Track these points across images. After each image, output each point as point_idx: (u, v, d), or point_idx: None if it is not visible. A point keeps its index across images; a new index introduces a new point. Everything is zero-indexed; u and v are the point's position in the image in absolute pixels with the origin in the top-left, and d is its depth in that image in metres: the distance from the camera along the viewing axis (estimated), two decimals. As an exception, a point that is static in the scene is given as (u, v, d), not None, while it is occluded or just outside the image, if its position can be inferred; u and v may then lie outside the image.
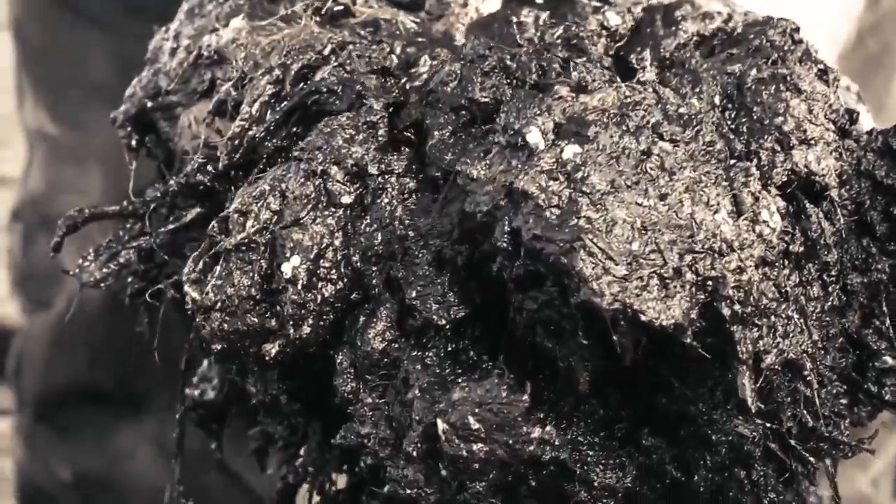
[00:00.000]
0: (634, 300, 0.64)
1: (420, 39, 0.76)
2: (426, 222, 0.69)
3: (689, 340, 0.65)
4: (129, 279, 0.81)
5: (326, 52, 0.73)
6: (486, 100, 0.71)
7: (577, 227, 0.64)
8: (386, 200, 0.71)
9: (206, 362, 0.88)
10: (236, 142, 0.73)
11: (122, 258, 0.81)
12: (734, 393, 0.67)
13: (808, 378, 0.69)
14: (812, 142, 0.73)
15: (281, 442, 0.84)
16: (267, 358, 0.72)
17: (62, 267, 1.45)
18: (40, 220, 1.64)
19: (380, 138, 0.72)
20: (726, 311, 0.66)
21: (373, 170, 0.72)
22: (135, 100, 0.82)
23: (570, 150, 0.66)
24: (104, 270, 0.80)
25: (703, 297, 0.65)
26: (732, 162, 0.68)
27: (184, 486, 0.87)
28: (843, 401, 0.74)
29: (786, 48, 0.75)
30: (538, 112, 0.66)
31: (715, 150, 0.68)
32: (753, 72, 0.74)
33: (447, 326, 0.69)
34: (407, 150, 0.73)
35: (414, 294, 0.70)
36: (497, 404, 0.69)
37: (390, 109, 0.73)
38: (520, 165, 0.66)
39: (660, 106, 0.68)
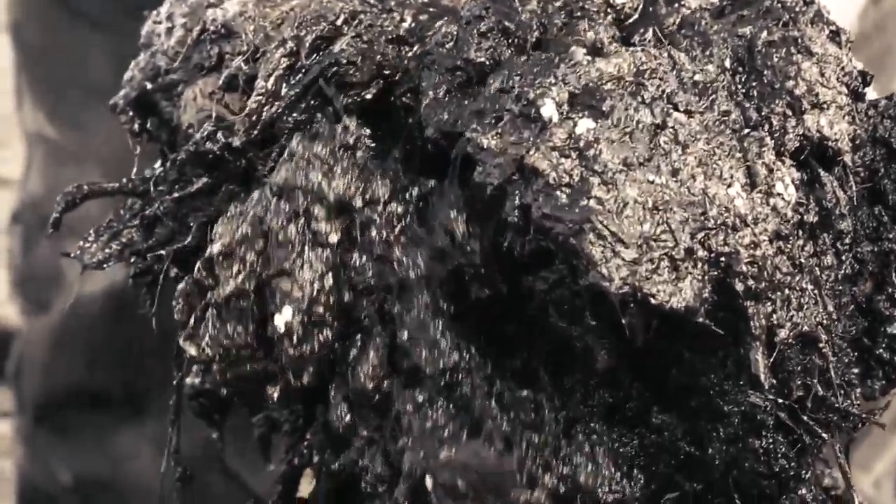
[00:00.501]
0: (644, 283, 0.63)
1: (431, 10, 0.74)
2: (416, 257, 0.68)
3: (701, 320, 0.64)
4: (132, 259, 0.79)
5: (339, 22, 0.72)
6: (482, 59, 0.69)
7: (588, 208, 0.63)
8: (374, 232, 0.70)
9: None
10: (254, 118, 0.73)
11: (123, 237, 0.79)
12: (746, 367, 0.67)
13: (824, 350, 0.68)
14: (824, 105, 0.71)
15: (287, 425, 0.82)
16: (271, 401, 0.72)
17: (62, 267, 1.44)
18: (40, 222, 1.64)
19: (359, 161, 0.70)
20: (740, 287, 0.65)
21: (357, 202, 0.71)
22: (134, 83, 0.82)
23: (584, 125, 0.65)
24: (106, 251, 0.79)
25: (715, 273, 0.65)
26: (746, 131, 0.67)
27: (183, 487, 0.85)
28: (855, 370, 0.74)
29: (797, 9, 0.73)
30: (553, 81, 0.65)
31: (730, 119, 0.67)
32: (764, 34, 0.72)
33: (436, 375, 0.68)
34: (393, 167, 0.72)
35: (406, 336, 0.69)
36: (485, 468, 0.68)
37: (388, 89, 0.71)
38: (532, 138, 0.65)
39: (675, 72, 0.66)
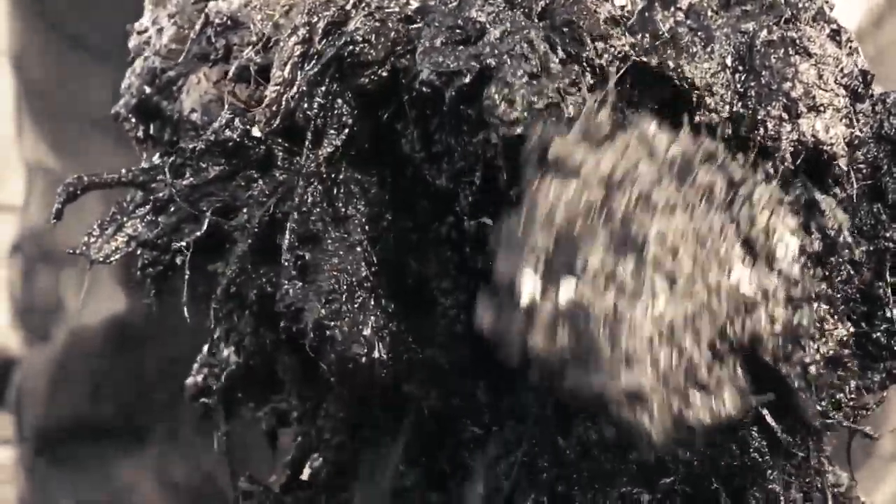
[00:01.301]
0: (683, 413, 0.65)
1: None
2: None
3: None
4: (139, 251, 0.81)
5: (349, 6, 0.74)
6: (483, 20, 0.71)
7: (602, 384, 0.64)
8: None
9: (205, 348, 0.88)
10: (274, 107, 0.75)
11: (128, 228, 0.80)
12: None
13: (849, 365, 0.73)
14: (821, 108, 0.72)
15: (295, 413, 0.83)
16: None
17: (62, 298, 1.46)
18: (40, 253, 1.69)
19: None
20: (769, 359, 0.68)
21: None
22: (133, 89, 0.85)
23: (565, 291, 0.64)
24: (111, 244, 0.80)
25: (744, 355, 0.67)
26: (731, 195, 0.68)
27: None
28: (851, 364, 0.75)
29: (799, 5, 0.74)
30: (530, 252, 0.65)
31: (715, 192, 0.68)
32: (764, 33, 0.73)
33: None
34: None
35: None
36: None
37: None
38: (524, 323, 0.65)
39: (648, 152, 0.67)
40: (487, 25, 0.71)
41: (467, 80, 0.70)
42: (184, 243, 0.78)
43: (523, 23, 0.71)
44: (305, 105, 0.74)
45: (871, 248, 0.75)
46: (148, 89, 0.83)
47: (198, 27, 0.80)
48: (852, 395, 0.75)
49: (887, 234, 0.76)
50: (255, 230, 0.77)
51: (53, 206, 1.63)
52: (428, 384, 0.78)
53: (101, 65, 1.53)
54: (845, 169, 0.73)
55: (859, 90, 0.75)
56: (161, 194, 0.79)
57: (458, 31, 0.72)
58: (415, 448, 0.80)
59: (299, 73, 0.74)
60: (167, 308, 1.66)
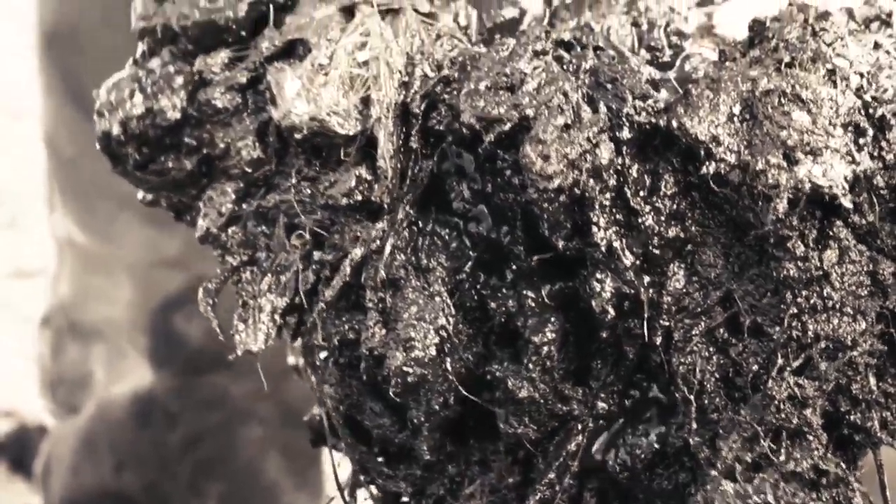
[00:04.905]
0: None
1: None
2: None
3: None
4: (283, 320, 0.89)
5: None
6: (528, 71, 0.80)
7: None
8: None
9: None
10: (389, 185, 0.83)
11: (266, 306, 0.87)
12: None
13: None
14: (817, 152, 0.79)
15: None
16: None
17: (90, 371, 1.54)
18: (69, 326, 1.78)
19: None
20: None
21: None
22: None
23: None
24: (262, 329, 0.87)
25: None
26: None
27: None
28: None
29: (798, 46, 0.81)
30: None
31: None
32: (764, 81, 0.80)
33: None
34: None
35: None
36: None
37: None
38: None
39: None
40: (528, 77, 0.82)
41: (507, 127, 0.81)
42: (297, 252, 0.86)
43: (559, 74, 0.81)
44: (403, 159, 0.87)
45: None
46: (196, 157, 0.91)
47: (241, 84, 0.89)
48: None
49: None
50: (355, 262, 0.85)
51: (81, 283, 1.71)
52: (523, 418, 0.86)
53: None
54: (849, 206, 0.79)
55: (861, 124, 0.80)
56: (266, 202, 0.87)
57: (504, 78, 0.83)
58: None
59: (401, 154, 0.84)
60: (192, 383, 1.73)
